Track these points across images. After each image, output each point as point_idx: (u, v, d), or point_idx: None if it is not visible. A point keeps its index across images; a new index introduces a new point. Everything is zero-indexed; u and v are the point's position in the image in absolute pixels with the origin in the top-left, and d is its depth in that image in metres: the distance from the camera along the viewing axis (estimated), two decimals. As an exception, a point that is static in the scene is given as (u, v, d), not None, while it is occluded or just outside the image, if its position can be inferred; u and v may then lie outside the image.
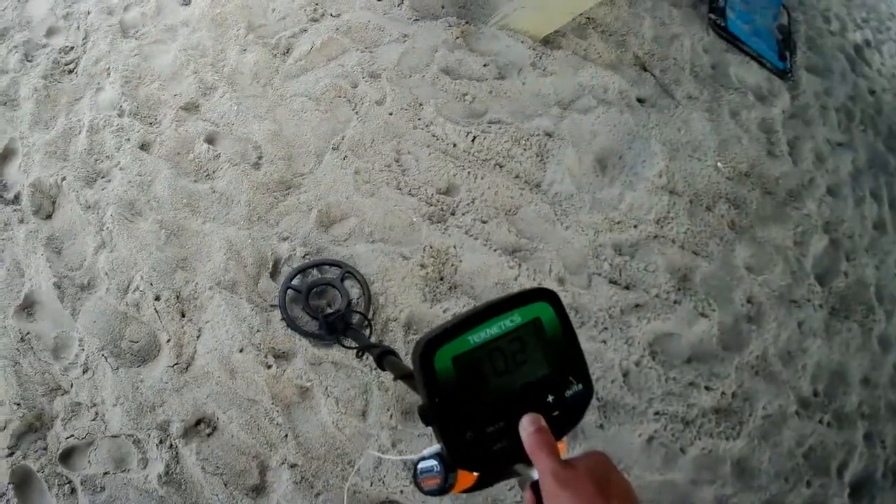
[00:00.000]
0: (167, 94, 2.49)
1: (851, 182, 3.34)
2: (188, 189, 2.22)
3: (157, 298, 1.99)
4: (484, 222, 2.33)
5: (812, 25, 4.23)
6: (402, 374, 1.14)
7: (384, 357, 1.27)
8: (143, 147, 2.33)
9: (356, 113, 2.48)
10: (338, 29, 2.71)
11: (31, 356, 1.90)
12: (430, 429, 0.75)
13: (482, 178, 2.44)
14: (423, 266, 2.18)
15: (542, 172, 2.56)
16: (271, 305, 2.02)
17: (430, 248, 2.23)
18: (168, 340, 1.96)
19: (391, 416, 1.98)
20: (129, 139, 2.35)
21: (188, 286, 2.03)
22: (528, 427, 0.72)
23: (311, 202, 2.23)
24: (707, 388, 2.37)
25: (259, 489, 1.87)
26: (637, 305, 2.39)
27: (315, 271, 2.09)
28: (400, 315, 2.07)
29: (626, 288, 2.42)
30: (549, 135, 2.63)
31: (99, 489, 1.79)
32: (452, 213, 2.33)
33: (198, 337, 1.98)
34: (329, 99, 2.49)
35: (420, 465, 0.79)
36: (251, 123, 2.41)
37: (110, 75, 2.54)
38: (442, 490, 0.77)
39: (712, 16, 3.65)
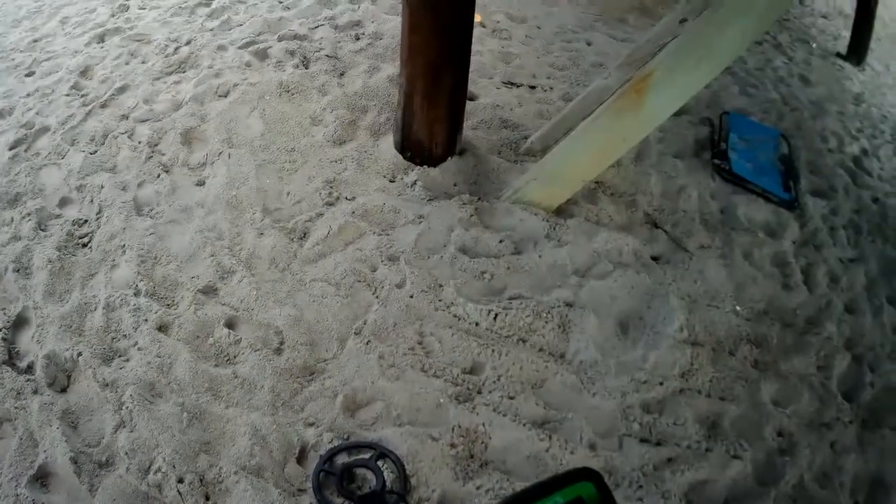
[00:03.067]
0: (184, 276, 3.16)
1: (867, 294, 3.85)
2: (210, 373, 2.80)
3: (181, 481, 2.47)
4: (511, 398, 2.84)
5: (811, 148, 5.12)
6: None
7: None
8: (162, 329, 2.95)
9: (377, 297, 3.12)
10: (353, 212, 3.46)
11: (46, 528, 2.36)
12: None
13: (506, 355, 2.97)
14: (452, 446, 2.67)
15: (565, 343, 3.08)
16: (299, 490, 2.51)
17: (459, 427, 2.71)
18: None
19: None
20: (146, 320, 2.97)
21: (212, 470, 2.53)
22: None
23: (336, 388, 2.80)
24: (747, 527, 2.78)
25: None
26: (669, 459, 2.79)
27: (346, 454, 2.58)
28: (432, 495, 2.51)
29: (658, 444, 2.83)
30: (569, 305, 3.19)
31: None
32: (479, 392, 2.85)
33: (222, 524, 2.44)
34: (349, 284, 3.16)
35: None
36: (271, 309, 3.05)
37: (125, 253, 3.24)
38: None
39: (716, 160, 4.44)
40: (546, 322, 3.09)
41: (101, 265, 3.21)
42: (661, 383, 3.01)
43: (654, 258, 3.63)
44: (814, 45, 7.56)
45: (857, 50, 7.47)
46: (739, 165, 4.43)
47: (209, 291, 3.11)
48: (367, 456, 2.58)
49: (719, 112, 4.97)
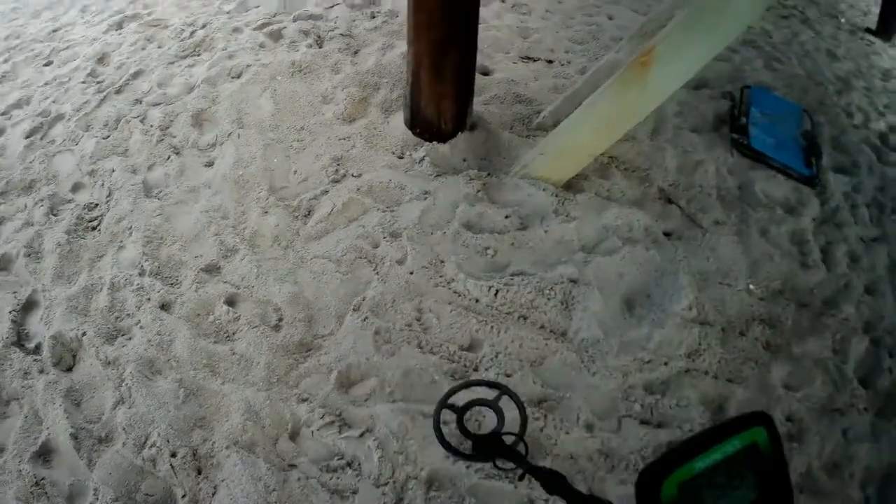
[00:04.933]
0: (188, 256, 3.16)
1: (889, 276, 3.73)
2: (208, 350, 2.79)
3: (174, 455, 2.48)
4: (508, 376, 2.78)
5: (836, 124, 4.93)
6: (580, 501, 1.24)
7: (555, 480, 1.38)
8: (164, 307, 2.95)
9: (377, 273, 3.08)
10: (359, 189, 3.41)
11: (45, 501, 2.37)
12: None
13: (506, 332, 2.91)
14: (445, 423, 2.61)
15: (567, 321, 3.00)
16: (289, 465, 2.49)
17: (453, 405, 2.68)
18: (183, 496, 2.41)
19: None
20: (149, 299, 2.97)
21: (205, 444, 2.53)
22: None
23: (331, 364, 2.76)
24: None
25: None
26: (670, 443, 2.70)
27: (468, 392, 2.54)
28: (420, 473, 2.48)
29: (658, 426, 2.74)
30: (573, 281, 3.11)
31: None
32: (475, 369, 2.80)
33: (213, 494, 2.43)
34: (350, 260, 3.11)
35: None
36: (271, 286, 3.03)
37: (132, 234, 3.25)
38: None
39: (735, 135, 4.31)
40: (548, 299, 3.02)
41: (109, 247, 3.23)
42: (665, 363, 2.91)
43: (667, 234, 3.52)
44: (842, 20, 7.29)
45: (887, 25, 7.17)
46: (759, 140, 4.28)
47: (211, 270, 3.10)
48: (490, 396, 2.55)
49: (741, 86, 4.82)
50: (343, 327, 2.88)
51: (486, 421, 2.45)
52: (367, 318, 2.88)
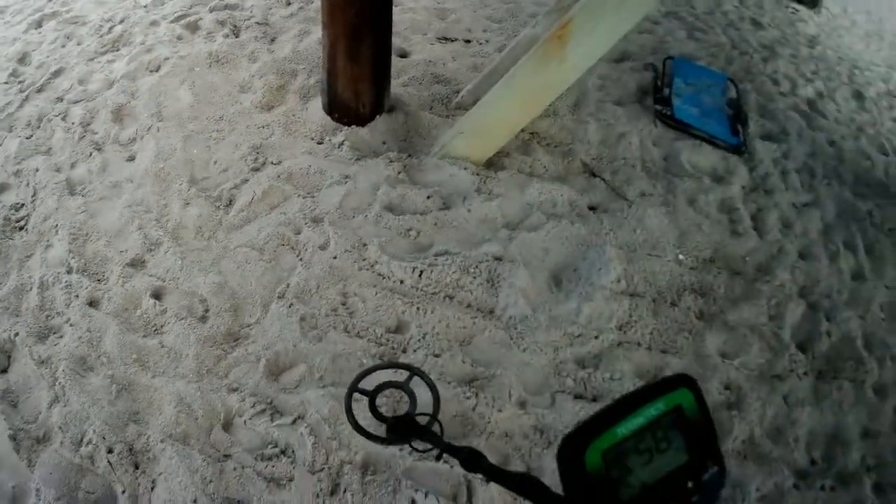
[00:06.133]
0: (113, 251, 3.16)
1: (823, 240, 3.78)
2: (137, 344, 2.81)
3: (111, 451, 2.50)
4: (437, 356, 2.83)
5: (762, 92, 5.05)
6: (498, 476, 1.18)
7: (473, 458, 1.34)
8: (92, 304, 2.96)
9: (300, 260, 3.12)
10: (279, 176, 3.44)
11: (-11, 505, 2.40)
12: None
13: (432, 312, 2.96)
14: (356, 401, 2.68)
15: (493, 298, 3.04)
16: (224, 455, 2.53)
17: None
18: (123, 492, 2.43)
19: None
20: (77, 296, 2.98)
21: (140, 439, 2.55)
22: None
23: (258, 352, 2.80)
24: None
25: None
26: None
27: (380, 374, 2.55)
28: (355, 458, 2.52)
29: (594, 400, 2.79)
30: (498, 259, 3.15)
31: None
32: (403, 351, 2.85)
33: (152, 489, 2.46)
34: (272, 248, 3.15)
35: None
36: (196, 277, 3.05)
37: (58, 232, 3.24)
38: None
39: (658, 106, 4.39)
40: (474, 277, 3.08)
41: (37, 246, 3.21)
42: (596, 337, 2.95)
43: (591, 208, 3.57)
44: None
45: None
46: (683, 111, 4.36)
47: (137, 264, 3.11)
48: (401, 378, 2.56)
49: (664, 57, 4.89)
50: (269, 315, 2.91)
51: (402, 406, 2.50)
52: (292, 304, 2.92)
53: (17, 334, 2.82)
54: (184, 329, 2.84)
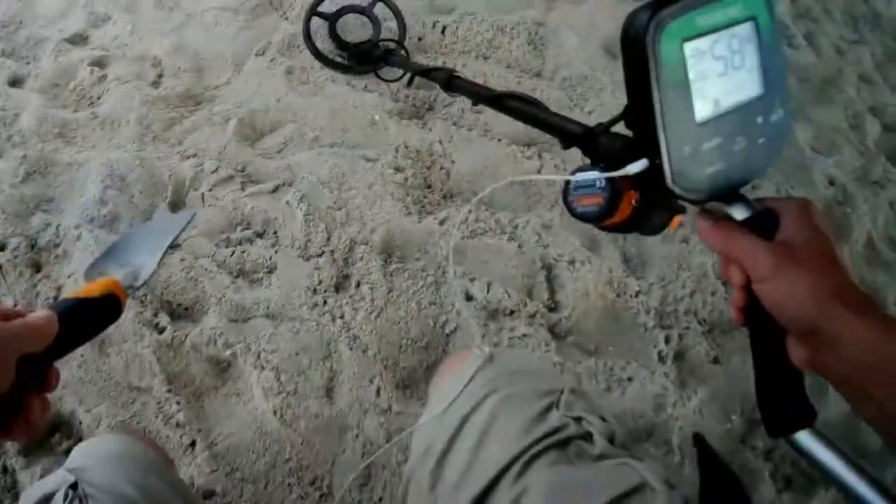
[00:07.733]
0: (51, 31, 2.36)
1: (880, 72, 3.25)
2: (61, 118, 2.03)
3: (2, 248, 1.71)
4: (478, 111, 2.11)
5: None
6: (485, 97, 1.06)
7: (453, 78, 1.25)
8: (14, 83, 2.18)
9: (286, 18, 2.36)
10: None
11: None
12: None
13: (464, 67, 2.27)
14: (397, 169, 1.90)
15: (539, 60, 2.44)
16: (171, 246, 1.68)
17: (406, 147, 1.96)
18: (15, 305, 1.60)
19: (378, 389, 1.56)
20: (-3, 77, 2.20)
21: (47, 231, 1.76)
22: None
23: (227, 112, 2.02)
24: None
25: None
26: None
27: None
28: (372, 236, 1.76)
29: None
30: (539, 24, 2.52)
31: None
32: (430, 109, 2.13)
33: (56, 298, 1.65)
34: (250, 7, 2.38)
35: (577, 178, 0.73)
36: (151, 41, 2.26)
37: None
38: (600, 214, 0.72)
39: None
40: (511, 38, 2.49)
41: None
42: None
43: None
44: None
45: None
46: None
47: (77, 40, 2.31)
48: (363, 2, 2.07)
49: None
50: (243, 73, 2.13)
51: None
52: (274, 58, 2.15)
53: None
54: (126, 93, 2.05)
